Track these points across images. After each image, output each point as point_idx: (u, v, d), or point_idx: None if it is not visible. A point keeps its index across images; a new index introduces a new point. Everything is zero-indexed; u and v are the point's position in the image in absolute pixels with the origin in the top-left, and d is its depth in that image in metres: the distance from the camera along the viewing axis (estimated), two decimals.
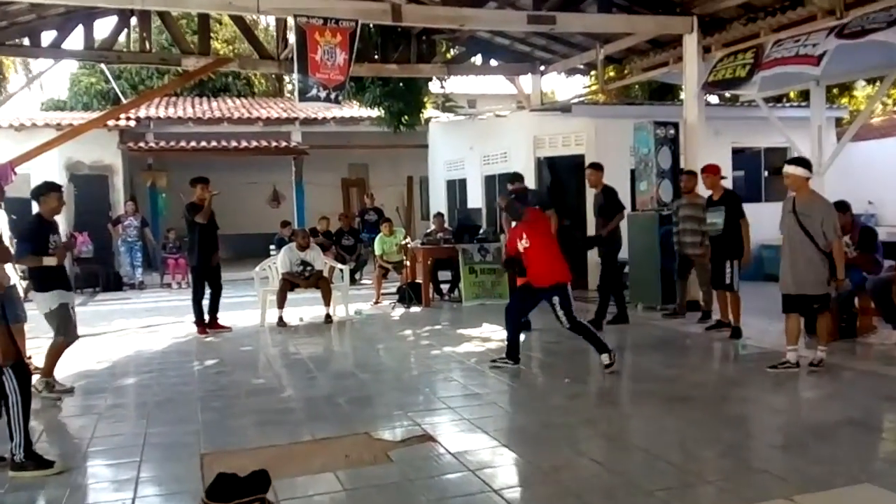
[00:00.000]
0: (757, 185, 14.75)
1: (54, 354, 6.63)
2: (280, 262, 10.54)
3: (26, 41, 12.01)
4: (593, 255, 10.66)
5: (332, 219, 15.90)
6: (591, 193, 10.11)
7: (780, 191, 7.12)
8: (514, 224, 7.46)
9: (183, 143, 18.49)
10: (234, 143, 18.74)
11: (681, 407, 5.78)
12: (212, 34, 15.98)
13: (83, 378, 7.31)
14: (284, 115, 19.92)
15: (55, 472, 4.59)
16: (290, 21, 9.52)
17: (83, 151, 16.49)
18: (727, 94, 13.02)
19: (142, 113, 18.23)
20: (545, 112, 14.18)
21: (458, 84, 19.45)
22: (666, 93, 18.26)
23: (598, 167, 9.64)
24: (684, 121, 10.70)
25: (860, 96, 19.23)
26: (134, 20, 12.29)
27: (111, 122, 16.33)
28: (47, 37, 11.93)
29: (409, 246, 12.57)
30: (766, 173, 14.69)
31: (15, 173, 10.84)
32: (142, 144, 18.13)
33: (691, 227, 9.24)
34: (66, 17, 11.74)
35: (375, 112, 15.56)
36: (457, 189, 17.22)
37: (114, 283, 15.53)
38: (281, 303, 10.23)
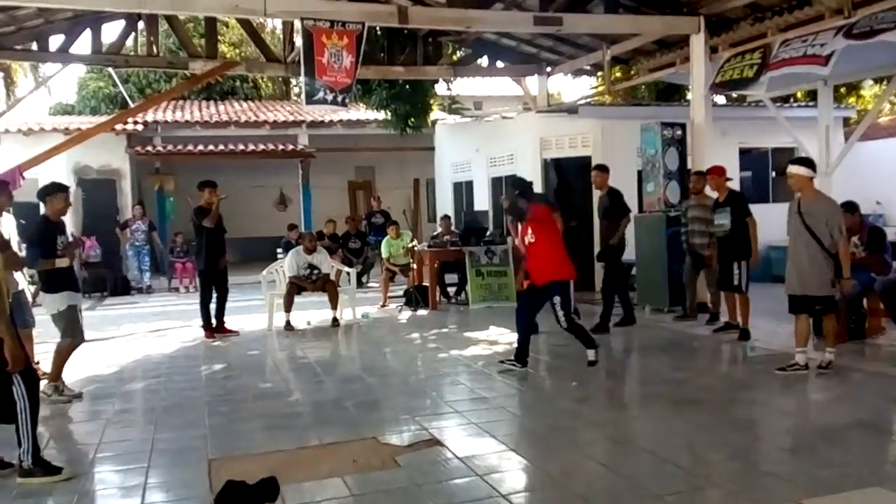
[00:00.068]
0: (764, 186, 14.70)
1: (62, 357, 6.64)
2: (287, 265, 10.55)
3: (34, 46, 12.06)
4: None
5: (339, 222, 15.91)
6: (597, 195, 10.08)
7: (788, 191, 7.10)
8: (520, 226, 7.45)
9: (190, 147, 18.56)
10: (241, 147, 18.78)
11: (689, 410, 5.76)
12: (219, 37, 16.02)
13: (91, 383, 7.32)
14: (291, 118, 19.97)
15: (63, 479, 4.59)
16: (297, 24, 9.53)
17: (91, 156, 16.58)
18: (734, 95, 12.98)
19: (149, 117, 18.32)
20: (552, 113, 14.16)
21: (464, 86, 19.50)
22: (673, 93, 18.23)
23: (603, 169, 9.61)
24: (691, 121, 10.68)
25: (867, 95, 19.14)
26: (141, 24, 12.37)
27: (119, 126, 16.41)
28: (55, 41, 12.00)
29: (415, 249, 12.57)
30: (773, 174, 14.64)
31: (23, 178, 10.91)
32: (149, 148, 18.22)
33: (700, 228, 9.22)
34: (74, 22, 11.80)
35: (382, 115, 15.61)
36: (463, 191, 17.21)
37: (121, 288, 15.54)
38: (288, 306, 10.24)
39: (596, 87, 16.50)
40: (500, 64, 14.84)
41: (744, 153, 14.20)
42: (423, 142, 18.24)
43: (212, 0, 9.36)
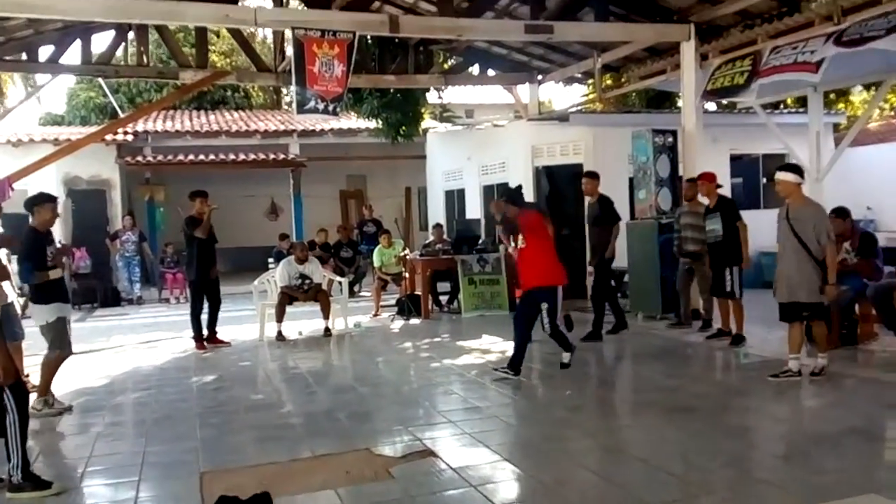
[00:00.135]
0: (755, 192, 14.75)
1: (50, 370, 6.58)
2: (278, 275, 10.51)
3: (24, 56, 12.02)
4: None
5: (331, 231, 15.87)
6: (588, 202, 10.08)
7: (779, 198, 7.11)
8: (512, 241, 7.48)
9: (181, 157, 18.51)
10: (231, 156, 18.75)
11: (682, 417, 5.75)
12: (209, 47, 16.00)
13: (81, 395, 7.27)
14: (282, 127, 19.96)
15: (53, 493, 4.54)
16: (288, 33, 9.51)
17: (81, 166, 16.51)
18: (724, 101, 13.02)
19: (139, 127, 18.25)
20: (543, 121, 14.18)
21: (455, 94, 19.56)
22: (663, 100, 18.28)
23: (593, 176, 9.60)
24: (682, 128, 10.70)
25: (857, 101, 19.25)
26: (131, 34, 12.34)
27: (109, 137, 16.34)
28: (45, 51, 11.96)
29: (407, 257, 12.55)
30: (764, 180, 14.66)
31: (12, 189, 10.84)
32: (139, 158, 18.17)
33: (693, 234, 9.22)
34: (64, 32, 11.77)
35: (373, 123, 15.61)
36: (455, 199, 17.21)
37: (111, 299, 15.46)
38: (280, 316, 10.19)
39: (587, 95, 16.54)
40: (491, 72, 14.86)
41: (735, 160, 14.24)
42: (415, 150, 18.24)
43: (202, 10, 9.33)
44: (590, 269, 9.91)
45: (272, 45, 14.43)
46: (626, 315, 9.71)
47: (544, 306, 7.13)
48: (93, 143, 14.43)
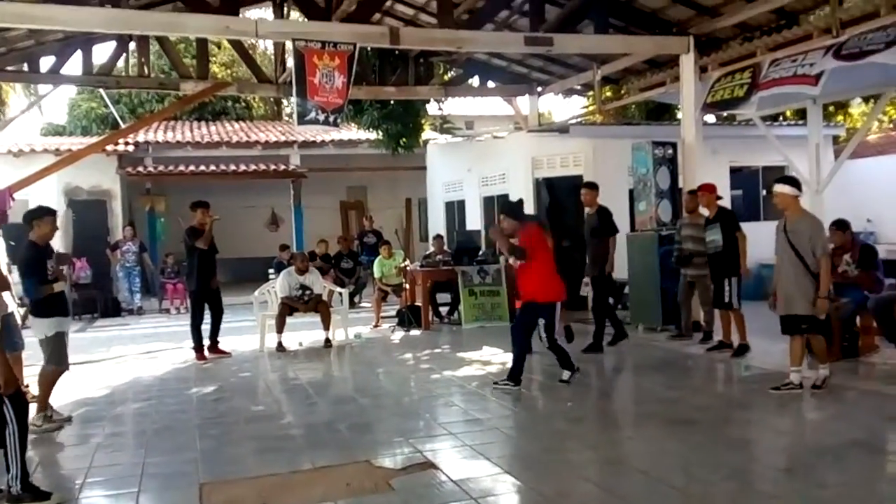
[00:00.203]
0: (755, 204, 14.76)
1: (48, 384, 6.54)
2: (279, 286, 10.50)
3: (25, 67, 12.04)
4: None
5: (331, 242, 15.87)
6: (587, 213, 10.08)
7: (779, 210, 7.12)
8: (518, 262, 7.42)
9: (181, 168, 18.53)
10: (232, 167, 18.78)
11: (683, 430, 5.74)
12: (210, 58, 16.03)
13: (81, 406, 7.26)
14: (283, 138, 20.00)
15: None
16: (289, 45, 9.54)
17: (82, 176, 16.52)
18: (724, 114, 13.06)
19: (140, 137, 18.28)
20: (543, 133, 14.21)
21: (455, 106, 19.59)
22: (662, 112, 18.32)
23: (592, 186, 9.61)
24: (682, 140, 10.71)
25: (856, 114, 19.29)
26: (132, 45, 12.35)
27: (110, 147, 16.35)
28: (46, 62, 11.98)
29: (408, 268, 12.54)
30: (764, 192, 14.67)
31: (13, 199, 10.85)
32: (140, 169, 18.19)
33: (694, 246, 9.21)
34: (65, 43, 11.80)
35: (374, 134, 15.64)
36: (455, 211, 17.22)
37: (112, 309, 15.45)
38: (280, 327, 10.18)
39: (587, 107, 16.58)
40: (491, 84, 14.90)
41: (734, 172, 14.27)
42: (415, 161, 18.27)
43: (203, 21, 9.36)
44: (585, 280, 9.90)
45: (273, 57, 14.50)
46: (626, 327, 9.69)
47: (541, 322, 7.15)
48: (94, 154, 14.44)
